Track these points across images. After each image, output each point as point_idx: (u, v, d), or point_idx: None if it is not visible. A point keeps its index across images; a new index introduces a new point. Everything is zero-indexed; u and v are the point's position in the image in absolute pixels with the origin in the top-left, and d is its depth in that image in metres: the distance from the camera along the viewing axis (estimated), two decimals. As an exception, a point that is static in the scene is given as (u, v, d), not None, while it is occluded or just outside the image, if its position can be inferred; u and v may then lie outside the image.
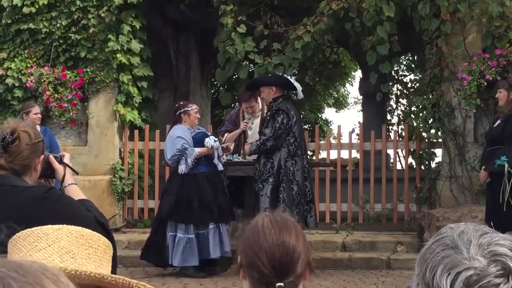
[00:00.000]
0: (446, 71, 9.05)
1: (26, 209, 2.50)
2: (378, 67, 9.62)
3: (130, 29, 9.93)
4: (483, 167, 7.17)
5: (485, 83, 8.35)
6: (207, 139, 7.60)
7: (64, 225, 1.56)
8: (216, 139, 7.70)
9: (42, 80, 9.78)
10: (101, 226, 2.63)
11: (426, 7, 8.62)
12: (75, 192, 2.88)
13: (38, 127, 7.55)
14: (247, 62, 9.95)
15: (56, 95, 9.78)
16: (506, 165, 6.68)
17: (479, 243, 1.16)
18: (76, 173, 3.10)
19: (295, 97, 8.23)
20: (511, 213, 6.54)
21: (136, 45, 9.97)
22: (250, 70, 9.98)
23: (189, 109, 7.81)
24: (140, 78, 10.18)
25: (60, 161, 2.94)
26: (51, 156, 2.91)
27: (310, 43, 9.44)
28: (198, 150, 7.57)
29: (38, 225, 1.70)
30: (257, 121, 8.15)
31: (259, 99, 8.02)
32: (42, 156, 2.74)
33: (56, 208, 2.54)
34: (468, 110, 8.78)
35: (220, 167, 7.68)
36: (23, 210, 2.49)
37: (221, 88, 16.98)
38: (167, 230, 7.56)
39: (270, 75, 8.62)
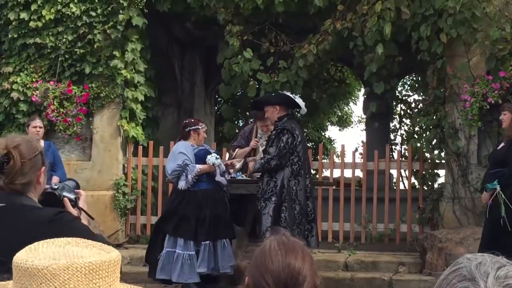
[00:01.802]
0: (449, 92, 9.08)
1: (34, 230, 2.40)
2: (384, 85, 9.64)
3: (135, 48, 9.99)
4: (485, 188, 7.19)
5: (487, 106, 8.37)
6: (209, 156, 7.61)
7: (74, 261, 1.50)
8: (218, 156, 7.70)
9: (48, 94, 9.82)
10: None
11: (428, 29, 8.66)
12: None
13: (42, 142, 7.56)
14: (254, 81, 9.98)
15: (61, 110, 9.82)
16: (498, 188, 6.72)
17: (497, 275, 1.16)
18: (92, 218, 2.95)
19: (299, 114, 8.24)
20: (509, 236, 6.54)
21: (140, 65, 10.03)
22: (257, 86, 10.02)
23: (200, 127, 7.84)
24: (144, 97, 10.21)
25: (75, 205, 2.83)
26: (65, 199, 2.81)
27: (314, 63, 9.49)
28: (199, 166, 7.58)
29: None
30: None
31: None
32: (43, 168, 2.62)
33: (65, 232, 2.34)
34: (470, 131, 8.81)
35: (224, 181, 7.68)
36: (31, 230, 2.40)
37: (225, 104, 17.02)
38: (165, 245, 7.54)
39: (274, 94, 8.64)
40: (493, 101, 8.28)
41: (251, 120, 10.63)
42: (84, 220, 2.82)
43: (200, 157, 7.66)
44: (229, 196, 7.84)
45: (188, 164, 7.55)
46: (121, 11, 9.92)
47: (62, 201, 2.79)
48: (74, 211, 2.81)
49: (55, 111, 9.80)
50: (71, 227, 2.49)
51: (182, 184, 7.57)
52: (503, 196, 6.67)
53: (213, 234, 7.51)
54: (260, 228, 7.09)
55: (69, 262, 1.50)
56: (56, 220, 2.47)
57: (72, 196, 2.86)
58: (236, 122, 18.50)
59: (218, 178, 7.62)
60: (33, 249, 1.57)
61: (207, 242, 7.48)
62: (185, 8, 10.20)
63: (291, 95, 7.65)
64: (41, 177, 2.60)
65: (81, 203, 2.86)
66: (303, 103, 7.62)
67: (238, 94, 12.37)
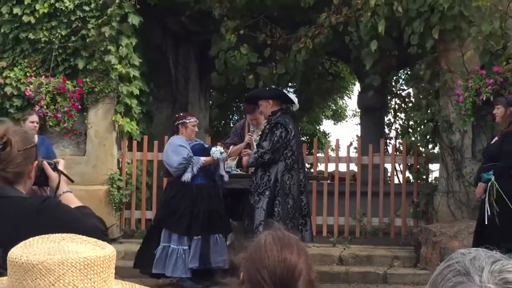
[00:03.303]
0: (443, 86, 9.08)
1: (23, 223, 2.36)
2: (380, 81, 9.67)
3: (129, 42, 9.96)
4: (481, 178, 7.18)
5: (480, 103, 8.37)
6: (213, 149, 7.59)
7: (69, 256, 1.49)
8: (222, 151, 7.67)
9: (41, 89, 9.79)
10: (103, 234, 2.54)
11: (421, 25, 8.64)
12: (71, 200, 2.73)
13: (36, 136, 7.55)
14: (253, 75, 9.99)
15: (52, 106, 9.79)
16: (492, 178, 6.72)
17: (491, 270, 1.16)
18: (72, 181, 2.92)
19: (292, 109, 8.24)
20: (502, 228, 6.55)
21: (134, 59, 9.99)
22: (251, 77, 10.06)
23: (187, 121, 7.78)
24: (138, 91, 10.18)
25: (54, 168, 2.79)
26: (44, 163, 2.77)
27: (311, 57, 9.51)
28: (203, 159, 7.58)
29: None
30: None
31: None
32: (36, 163, 2.59)
33: (53, 220, 2.38)
34: (463, 125, 8.81)
35: (226, 177, 7.68)
36: (20, 223, 2.36)
37: (219, 99, 17.03)
38: (161, 240, 7.54)
39: (267, 88, 8.65)
40: (485, 98, 8.28)
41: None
42: (64, 183, 2.80)
43: (195, 151, 7.65)
44: (225, 191, 7.86)
45: (192, 157, 7.55)
46: (114, 6, 9.87)
47: (41, 165, 2.74)
48: (54, 174, 2.78)
49: (44, 106, 9.76)
50: (57, 214, 2.46)
51: (188, 176, 7.54)
52: (496, 185, 6.67)
53: (206, 229, 7.51)
54: (253, 222, 7.09)
55: (64, 257, 1.49)
56: (43, 209, 2.43)
57: (51, 161, 2.84)
58: (231, 117, 18.53)
59: (222, 172, 7.63)
60: (28, 245, 1.57)
61: (199, 237, 7.48)
62: (180, 2, 10.17)
63: (284, 91, 7.66)
64: (32, 172, 2.57)
65: (60, 167, 2.82)
66: (296, 99, 7.63)
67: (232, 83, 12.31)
